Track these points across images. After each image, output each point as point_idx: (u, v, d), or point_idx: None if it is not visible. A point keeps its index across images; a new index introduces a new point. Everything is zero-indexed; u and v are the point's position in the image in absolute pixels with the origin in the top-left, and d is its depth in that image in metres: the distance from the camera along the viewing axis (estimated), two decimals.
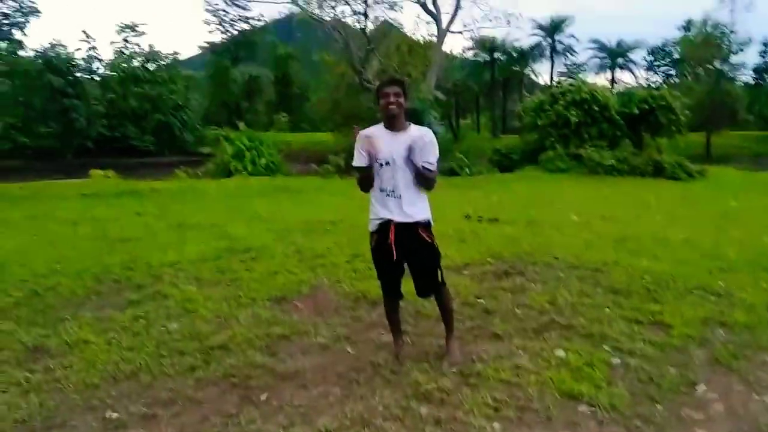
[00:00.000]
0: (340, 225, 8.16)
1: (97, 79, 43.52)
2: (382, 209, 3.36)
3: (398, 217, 3.33)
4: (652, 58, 51.91)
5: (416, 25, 56.03)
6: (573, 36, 50.63)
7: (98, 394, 3.21)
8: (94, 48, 42.89)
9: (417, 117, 18.84)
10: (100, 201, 11.28)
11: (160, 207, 10.50)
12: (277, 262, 6.05)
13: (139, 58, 43.75)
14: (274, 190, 13.08)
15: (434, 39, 27.56)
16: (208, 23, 56.77)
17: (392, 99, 3.29)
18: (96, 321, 4.32)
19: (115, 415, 2.99)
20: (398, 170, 3.31)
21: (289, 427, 2.84)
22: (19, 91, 38.38)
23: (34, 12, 46.71)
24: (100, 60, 44.01)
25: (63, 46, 40.38)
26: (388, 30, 29.17)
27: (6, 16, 45.72)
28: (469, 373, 3.40)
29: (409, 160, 3.27)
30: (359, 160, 3.34)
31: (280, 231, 7.83)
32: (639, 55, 52.11)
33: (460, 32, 31.49)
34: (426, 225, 3.42)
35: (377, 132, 3.38)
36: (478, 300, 4.83)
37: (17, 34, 46.49)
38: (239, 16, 53.02)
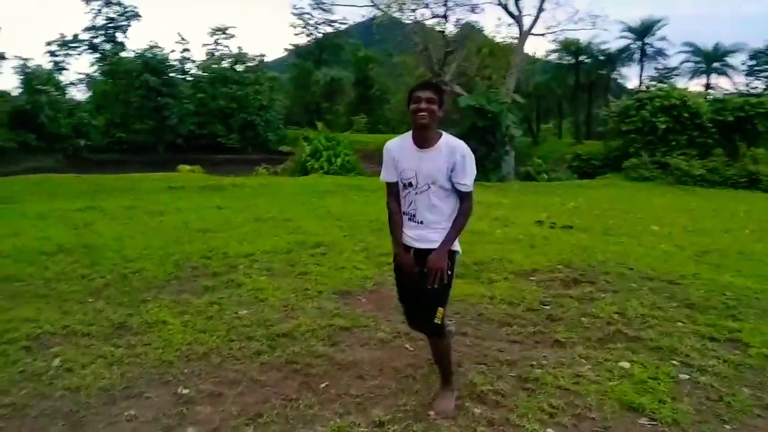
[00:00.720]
0: None
1: (189, 79, 46.02)
2: (405, 234, 2.99)
3: (418, 244, 2.92)
4: (754, 62, 48.39)
5: (497, 28, 55.25)
6: (665, 38, 48.10)
7: (172, 371, 3.45)
8: (187, 50, 45.42)
9: (494, 120, 18.63)
10: (186, 194, 11.96)
11: (239, 201, 11.00)
12: (344, 257, 6.20)
13: (228, 60, 45.86)
14: (347, 189, 13.34)
15: (515, 41, 27.13)
16: (294, 26, 58.67)
17: (423, 105, 2.78)
18: (174, 304, 4.63)
19: (186, 390, 3.20)
20: (420, 192, 2.87)
21: (345, 415, 2.94)
22: (119, 90, 41.31)
23: (136, 16, 50.08)
24: (192, 61, 46.53)
25: (160, 47, 43.02)
26: (468, 32, 28.99)
27: (111, 20, 49.31)
28: (526, 377, 3.37)
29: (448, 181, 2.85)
30: (386, 175, 3.01)
31: (350, 228, 8.00)
32: (738, 59, 48.72)
33: (543, 35, 30.77)
34: (451, 253, 2.93)
35: (402, 145, 2.96)
36: (543, 306, 4.76)
37: (119, 37, 50.04)
38: (324, 19, 54.45)
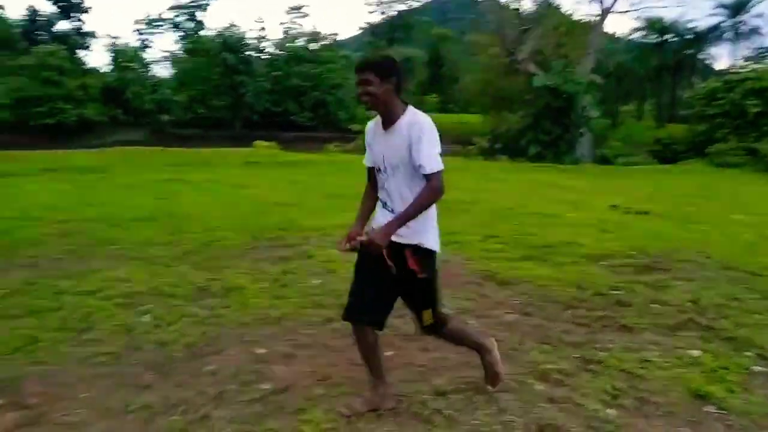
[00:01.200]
0: (477, 205, 8.23)
1: (265, 57, 47.18)
2: (378, 221, 2.71)
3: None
4: None
5: (577, 4, 52.99)
6: (761, 16, 44.50)
7: (249, 332, 3.70)
8: (263, 28, 46.58)
9: (569, 101, 18.08)
10: (262, 169, 12.45)
11: (312, 177, 11.34)
12: None
13: (302, 39, 46.62)
14: None
15: (595, 19, 26.02)
16: (368, 4, 58.80)
17: (360, 90, 2.54)
18: (251, 271, 4.91)
19: (262, 350, 3.44)
20: (389, 178, 2.62)
21: (409, 382, 3.07)
22: (200, 68, 42.99)
23: None
24: (268, 40, 47.64)
25: (237, 26, 44.33)
26: (545, 10, 28.03)
27: None
28: (590, 359, 3.38)
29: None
30: (365, 159, 2.84)
31: None
32: None
33: (625, 12, 29.30)
34: (416, 251, 2.60)
35: (374, 127, 2.74)
36: (613, 291, 4.68)
37: (200, 16, 51.83)
38: None
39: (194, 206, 7.70)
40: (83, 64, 44.10)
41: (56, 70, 36.29)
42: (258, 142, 18.39)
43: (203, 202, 8.08)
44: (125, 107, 39.61)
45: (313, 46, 46.20)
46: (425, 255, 2.63)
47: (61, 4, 44.64)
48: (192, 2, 50.99)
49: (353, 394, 2.93)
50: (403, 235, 2.55)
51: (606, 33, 30.16)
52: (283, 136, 35.23)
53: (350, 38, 64.51)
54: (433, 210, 2.63)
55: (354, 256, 2.89)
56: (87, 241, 5.79)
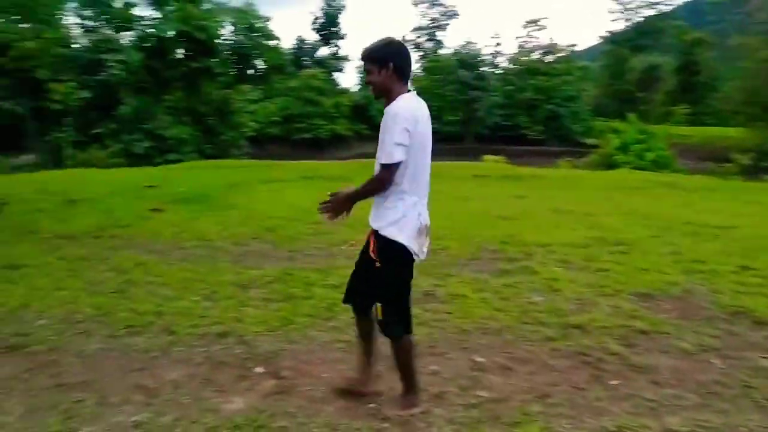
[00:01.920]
0: (732, 232, 7.21)
1: (499, 72, 47.61)
2: None
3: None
4: None
5: None
6: None
7: (469, 339, 3.82)
8: (499, 44, 47.13)
9: None
10: (488, 182, 12.61)
11: (538, 192, 11.12)
12: (649, 259, 5.82)
13: (538, 51, 45.97)
14: (658, 186, 12.25)
15: None
16: (611, 12, 55.55)
17: (365, 79, 2.73)
18: (474, 281, 5.04)
19: (480, 359, 3.53)
20: (377, 162, 2.67)
21: (636, 416, 2.87)
22: (435, 85, 45.21)
23: (455, 14, 53.81)
24: (503, 54, 47.99)
25: (474, 43, 45.55)
26: None
27: (434, 20, 53.96)
28: None
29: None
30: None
31: (658, 229, 7.41)
32: None
33: None
34: (377, 236, 2.68)
35: None
36: None
37: (439, 35, 54.45)
38: (646, 1, 50.20)
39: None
40: (337, 85, 49.75)
41: (316, 91, 41.55)
42: (487, 157, 18.66)
43: (431, 212, 8.49)
44: (369, 123, 43.55)
45: (548, 58, 45.26)
46: (385, 245, 2.64)
47: (322, 32, 51.00)
48: (432, 24, 53.97)
49: (571, 417, 2.85)
50: (372, 218, 2.71)
51: None
52: (512, 150, 35.12)
53: (588, 48, 61.45)
54: (397, 204, 2.64)
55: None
56: (333, 240, 6.53)
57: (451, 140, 43.98)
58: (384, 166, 2.58)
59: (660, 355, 3.60)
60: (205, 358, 3.51)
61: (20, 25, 29.04)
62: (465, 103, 43.10)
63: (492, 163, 17.94)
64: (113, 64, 31.18)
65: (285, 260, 5.81)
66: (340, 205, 2.72)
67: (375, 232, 2.69)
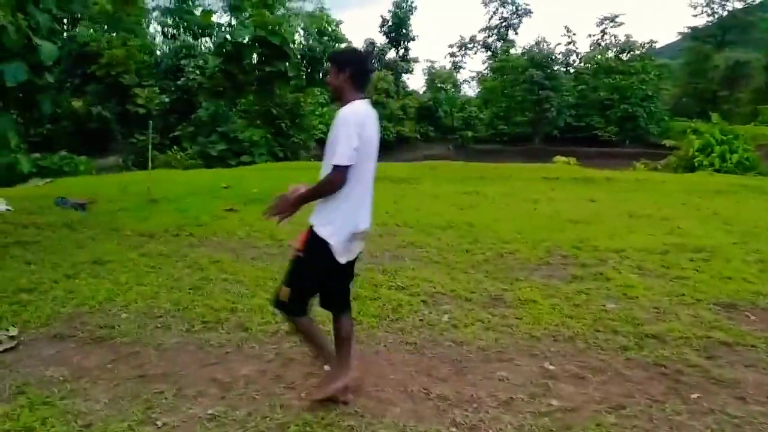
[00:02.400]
0: None
1: (572, 71, 46.28)
2: None
3: None
4: None
5: None
6: None
7: (539, 346, 3.73)
8: (572, 42, 45.75)
9: None
10: (559, 184, 12.26)
11: (612, 195, 10.71)
12: (732, 266, 5.49)
13: (613, 49, 44.38)
14: (742, 190, 11.52)
15: None
16: (693, 6, 52.74)
17: (327, 80, 2.96)
18: (544, 286, 4.92)
19: (551, 367, 3.44)
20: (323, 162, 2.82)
21: None
22: (505, 85, 44.49)
23: (527, 13, 52.76)
24: (576, 53, 46.62)
25: (546, 42, 44.49)
26: None
27: (504, 19, 53.15)
28: None
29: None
30: None
31: (742, 234, 6.98)
32: None
33: None
34: (311, 229, 2.81)
35: None
36: None
37: (510, 35, 53.55)
38: None
39: (490, 218, 8.03)
40: (405, 87, 49.86)
41: (384, 93, 41.82)
42: (558, 158, 18.16)
43: (498, 215, 8.37)
44: (436, 125, 43.43)
45: (625, 56, 43.54)
46: (314, 241, 2.78)
47: (391, 35, 51.28)
48: (503, 22, 53.14)
49: (647, 431, 2.74)
50: (312, 214, 2.83)
51: None
52: (582, 151, 34.04)
53: (667, 45, 58.52)
54: (340, 205, 2.75)
55: None
56: (399, 242, 6.57)
57: (520, 141, 43.19)
58: (336, 168, 2.68)
59: (745, 370, 3.39)
60: (276, 355, 3.61)
61: (110, 35, 31.00)
62: (535, 104, 42.11)
63: (562, 164, 17.44)
64: (191, 69, 32.69)
65: None
66: (289, 207, 2.83)
67: (310, 227, 2.82)
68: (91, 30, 32.33)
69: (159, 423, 2.81)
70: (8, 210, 6.74)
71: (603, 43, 46.99)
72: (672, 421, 2.83)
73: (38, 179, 12.79)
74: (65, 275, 5.13)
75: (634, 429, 2.76)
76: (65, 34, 30.90)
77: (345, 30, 47.21)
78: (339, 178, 2.69)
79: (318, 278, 2.89)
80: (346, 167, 2.68)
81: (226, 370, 3.39)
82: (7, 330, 3.87)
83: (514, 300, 4.59)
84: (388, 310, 4.35)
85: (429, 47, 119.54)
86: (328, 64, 2.94)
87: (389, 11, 50.72)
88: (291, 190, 2.82)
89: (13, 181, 12.95)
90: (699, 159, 16.76)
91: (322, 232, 2.77)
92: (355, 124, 2.69)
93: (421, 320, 4.18)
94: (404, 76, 51.38)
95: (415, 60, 52.98)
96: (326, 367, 3.09)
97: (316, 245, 2.78)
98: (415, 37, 52.46)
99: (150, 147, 11.06)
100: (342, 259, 2.82)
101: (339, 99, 2.86)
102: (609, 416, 2.87)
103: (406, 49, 52.60)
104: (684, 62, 48.77)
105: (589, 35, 51.08)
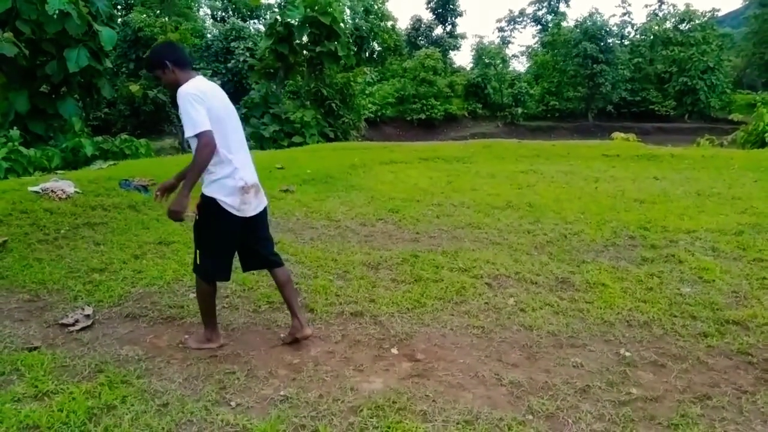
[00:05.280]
0: None
1: (627, 43, 44.43)
2: None
3: None
4: None
5: None
6: None
7: (613, 332, 3.60)
8: (627, 13, 43.82)
9: None
10: (620, 162, 11.82)
11: (677, 173, 10.25)
12: None
13: (671, 20, 42.30)
14: None
15: None
16: None
17: (162, 85, 3.39)
18: (612, 269, 4.74)
19: (627, 353, 3.31)
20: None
21: None
22: (557, 59, 43.12)
23: None
24: (632, 24, 44.67)
25: (600, 14, 42.76)
26: None
27: None
28: None
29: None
30: None
31: None
32: None
33: None
34: (202, 195, 3.14)
35: None
36: None
37: (562, 7, 51.77)
38: None
39: (550, 197, 7.80)
40: (452, 63, 49.02)
41: (431, 71, 41.23)
42: (616, 134, 17.48)
43: (559, 194, 8.12)
44: (484, 102, 42.55)
45: (684, 26, 41.41)
46: (204, 202, 3.12)
47: (438, 11, 50.39)
48: None
49: (738, 423, 2.59)
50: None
51: None
52: (639, 127, 32.79)
53: (730, 12, 55.30)
54: (216, 170, 3.07)
55: None
56: (456, 223, 6.46)
57: (572, 118, 41.94)
58: (200, 136, 2.91)
59: None
60: (343, 336, 3.60)
61: (162, 19, 31.61)
62: (588, 78, 40.64)
63: (622, 141, 16.80)
64: (241, 51, 33.04)
65: (410, 242, 5.82)
66: (180, 205, 3.03)
67: (201, 193, 3.12)
68: (144, 15, 33.07)
69: (233, 404, 2.84)
70: (77, 192, 6.97)
71: (660, 14, 44.80)
72: (764, 413, 2.67)
73: (101, 161, 13.19)
74: (133, 255, 5.26)
75: (723, 422, 2.62)
76: (120, 19, 31.71)
77: (391, 7, 46.65)
78: (206, 142, 2.93)
79: (220, 237, 3.20)
80: (208, 131, 2.92)
81: (295, 351, 3.41)
82: (83, 309, 4.01)
83: (582, 283, 4.44)
84: (452, 292, 4.28)
85: (477, 22, 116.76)
86: (152, 74, 3.23)
87: None
88: (162, 188, 3.37)
89: (78, 164, 13.43)
90: None
91: (208, 191, 3.11)
92: (193, 95, 2.94)
93: (486, 303, 4.10)
94: (451, 53, 50.51)
95: (463, 36, 51.96)
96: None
97: (207, 206, 3.13)
98: (463, 13, 51.42)
99: None
100: (238, 213, 3.14)
101: (174, 92, 3.09)
102: (694, 407, 2.74)
103: (453, 25, 51.62)
104: (749, 31, 45.95)
105: (646, 5, 48.51)
